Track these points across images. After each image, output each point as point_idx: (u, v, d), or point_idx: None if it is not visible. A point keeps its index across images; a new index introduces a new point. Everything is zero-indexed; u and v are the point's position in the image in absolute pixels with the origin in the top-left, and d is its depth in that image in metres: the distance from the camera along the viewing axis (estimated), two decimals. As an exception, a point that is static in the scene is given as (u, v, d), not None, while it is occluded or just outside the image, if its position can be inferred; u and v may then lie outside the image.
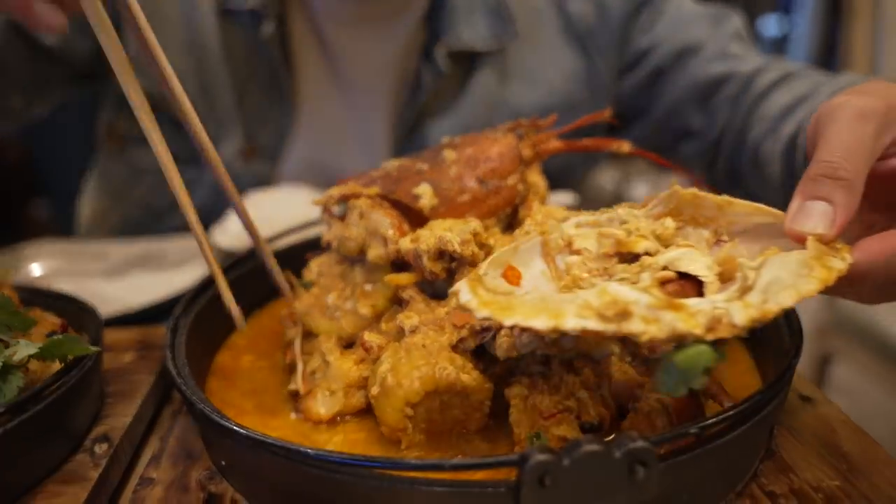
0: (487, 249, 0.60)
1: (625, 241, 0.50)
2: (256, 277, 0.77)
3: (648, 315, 0.41)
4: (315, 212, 0.78)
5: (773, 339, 0.60)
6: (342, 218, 0.66)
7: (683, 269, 0.46)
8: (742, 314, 0.41)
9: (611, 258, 0.51)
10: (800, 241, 0.46)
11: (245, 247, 0.86)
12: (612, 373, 0.58)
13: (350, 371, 0.59)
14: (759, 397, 0.46)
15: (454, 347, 0.56)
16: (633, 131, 1.11)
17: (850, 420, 0.57)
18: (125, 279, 0.97)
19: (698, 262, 0.46)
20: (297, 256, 0.74)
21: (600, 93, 1.09)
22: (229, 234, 0.95)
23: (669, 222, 0.51)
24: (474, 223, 0.59)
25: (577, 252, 0.51)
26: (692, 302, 0.42)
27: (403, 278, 0.61)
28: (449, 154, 0.69)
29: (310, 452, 0.44)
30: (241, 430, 0.47)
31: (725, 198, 0.51)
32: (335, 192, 0.65)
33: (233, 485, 0.53)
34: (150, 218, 1.14)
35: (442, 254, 0.58)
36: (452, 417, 0.55)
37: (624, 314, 0.41)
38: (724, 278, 0.47)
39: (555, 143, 0.71)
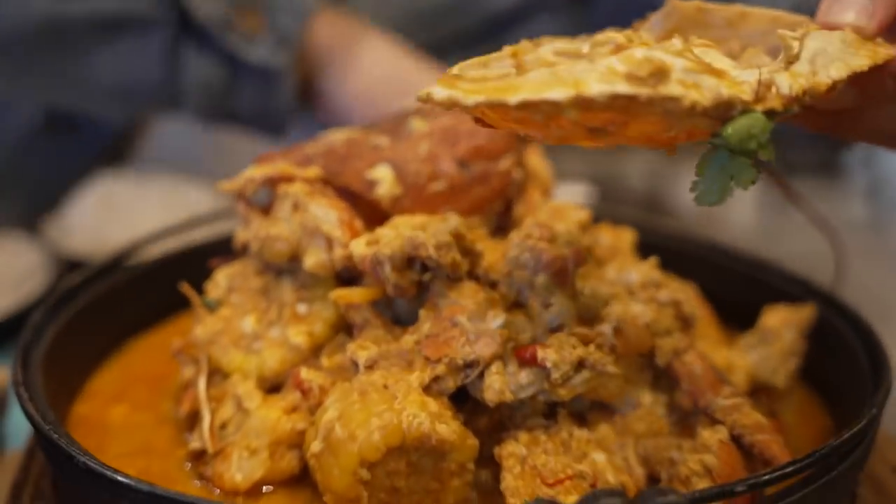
0: (474, 257, 0.71)
1: (625, 45, 0.59)
2: (122, 296, 0.88)
3: (687, 79, 0.51)
4: (203, 206, 0.87)
5: (858, 393, 0.73)
6: (266, 210, 0.77)
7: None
8: (790, 83, 0.54)
9: None
10: None
11: (101, 250, 0.96)
12: (639, 429, 0.70)
13: (278, 423, 0.69)
14: (826, 451, 0.59)
15: (427, 389, 0.66)
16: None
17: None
18: None
19: (723, 60, 0.57)
20: (191, 265, 0.84)
21: None
22: (74, 231, 1.05)
23: (676, 42, 0.60)
24: (455, 220, 0.71)
25: None
26: (733, 70, 0.54)
27: (356, 295, 0.72)
28: (417, 124, 0.81)
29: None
30: (158, 491, 0.57)
31: (738, 8, 0.64)
32: (257, 173, 0.76)
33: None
34: None
35: (411, 261, 0.70)
36: (423, 486, 0.66)
37: (660, 73, 0.51)
38: None
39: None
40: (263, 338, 0.74)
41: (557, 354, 0.65)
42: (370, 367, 0.68)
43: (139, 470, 0.71)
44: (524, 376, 0.66)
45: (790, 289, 0.86)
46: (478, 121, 0.58)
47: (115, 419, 0.78)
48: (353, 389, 0.66)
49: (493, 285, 0.73)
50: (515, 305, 0.71)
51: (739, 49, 0.63)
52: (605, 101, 0.50)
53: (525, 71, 0.58)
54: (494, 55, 0.61)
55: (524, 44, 0.62)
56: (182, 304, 0.84)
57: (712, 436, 0.66)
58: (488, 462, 0.67)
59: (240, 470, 0.69)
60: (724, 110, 0.53)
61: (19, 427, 0.83)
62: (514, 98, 0.51)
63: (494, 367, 0.66)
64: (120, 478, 0.58)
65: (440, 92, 0.53)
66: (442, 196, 0.77)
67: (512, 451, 0.66)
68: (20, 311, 1.02)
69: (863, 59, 0.57)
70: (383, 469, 0.64)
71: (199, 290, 0.80)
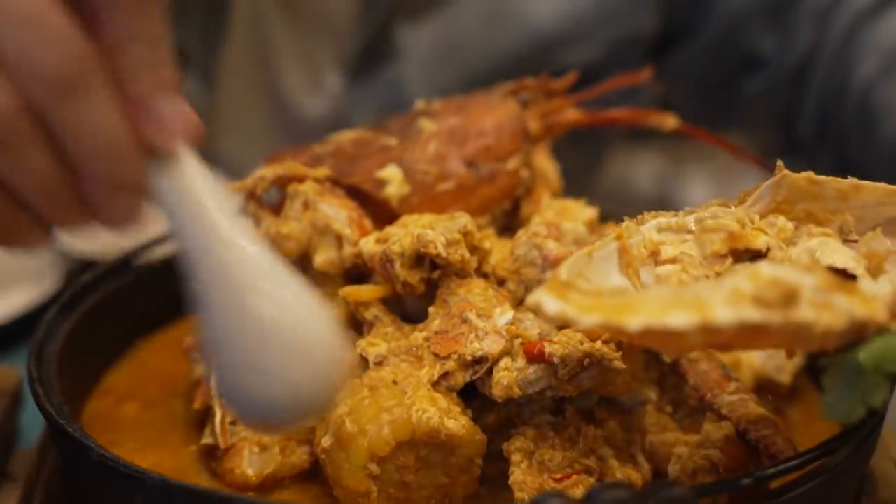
0: (482, 254, 0.73)
1: (739, 233, 0.59)
2: (133, 296, 0.89)
3: (818, 299, 0.49)
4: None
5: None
6: (276, 209, 0.78)
7: (826, 262, 0.56)
8: None
9: (722, 260, 0.60)
10: None
11: (111, 250, 0.97)
12: (646, 425, 0.71)
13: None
14: (832, 445, 0.60)
15: (436, 385, 0.68)
16: (677, 59, 1.22)
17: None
18: None
19: (843, 253, 0.56)
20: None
21: None
22: (87, 231, 1.06)
23: (783, 221, 0.60)
24: (464, 219, 0.72)
25: (670, 261, 0.61)
26: (864, 285, 0.52)
27: (365, 292, 0.73)
28: (426, 125, 0.82)
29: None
30: (173, 484, 0.58)
31: (852, 181, 0.61)
32: (267, 172, 0.78)
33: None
34: None
35: (421, 259, 0.71)
36: (432, 481, 0.67)
37: (790, 297, 0.48)
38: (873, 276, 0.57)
39: (573, 114, 0.85)
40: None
41: (565, 350, 0.66)
42: (380, 363, 0.69)
43: (151, 465, 0.72)
44: (532, 372, 0.67)
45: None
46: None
47: (127, 416, 0.79)
48: (363, 385, 0.68)
49: (501, 283, 0.74)
50: (523, 302, 0.72)
51: (853, 221, 0.61)
52: (733, 328, 0.48)
53: (634, 271, 0.59)
54: (599, 243, 0.61)
55: (627, 225, 0.63)
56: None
57: (718, 431, 0.67)
58: (497, 458, 0.68)
59: (251, 465, 0.70)
60: (857, 332, 0.51)
61: (32, 425, 0.84)
62: (633, 322, 0.49)
63: (503, 363, 0.67)
64: (134, 471, 0.59)
65: (552, 305, 0.51)
66: (450, 196, 0.79)
67: (520, 446, 0.67)
68: (33, 310, 1.03)
69: None
70: (393, 464, 0.65)
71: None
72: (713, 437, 0.67)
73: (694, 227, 0.62)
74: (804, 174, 0.62)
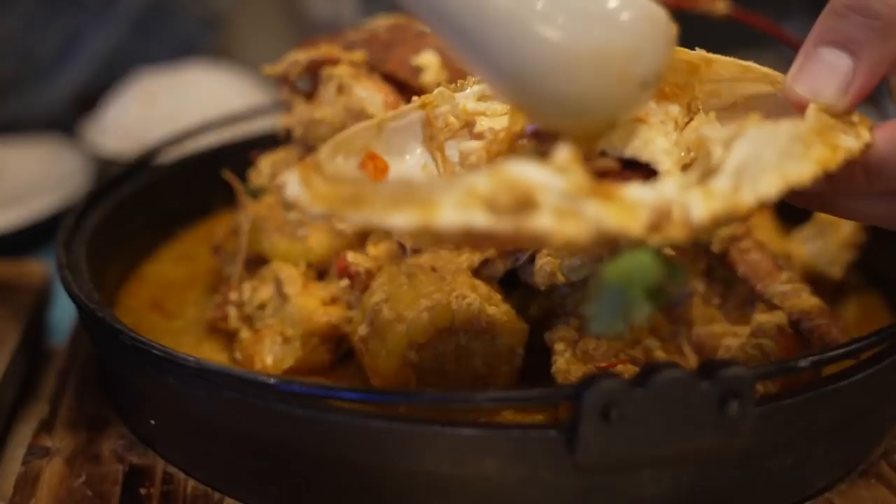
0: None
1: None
2: (161, 192, 0.88)
3: (564, 206, 0.42)
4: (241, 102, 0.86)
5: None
6: (310, 95, 0.76)
7: (629, 153, 0.51)
8: (702, 206, 0.44)
9: (526, 139, 0.54)
10: (801, 108, 0.50)
11: (135, 149, 0.95)
12: (693, 317, 0.69)
13: (314, 314, 0.69)
14: (893, 331, 0.58)
15: (476, 272, 0.66)
16: None
17: None
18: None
19: (653, 144, 0.51)
20: (233, 158, 0.84)
21: None
22: (114, 132, 1.05)
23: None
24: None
25: (480, 136, 0.56)
26: (631, 190, 0.44)
27: (403, 178, 0.71)
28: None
29: (301, 388, 0.54)
30: (206, 365, 0.57)
31: (701, 53, 0.55)
32: (301, 56, 0.75)
33: (165, 454, 0.63)
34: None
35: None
36: (471, 370, 0.65)
37: (526, 204, 0.42)
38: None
39: None
40: (308, 224, 0.73)
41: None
42: (418, 249, 0.67)
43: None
44: (576, 258, 0.65)
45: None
46: None
47: (153, 318, 0.79)
48: (401, 272, 0.66)
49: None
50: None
51: (703, 96, 0.55)
52: (457, 234, 0.42)
53: (440, 145, 0.54)
54: (394, 112, 0.56)
55: (440, 91, 0.57)
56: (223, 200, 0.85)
57: (770, 320, 0.64)
58: (538, 351, 0.66)
59: (271, 353, 0.69)
60: (610, 244, 0.44)
61: (62, 321, 0.84)
62: (354, 216, 0.44)
63: (545, 251, 0.65)
64: (167, 352, 0.58)
65: (292, 188, 0.47)
66: (489, 83, 0.76)
67: (563, 335, 0.65)
68: (60, 211, 1.02)
69: (808, 165, 0.46)
70: (432, 351, 0.64)
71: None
72: (764, 326, 0.64)
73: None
74: None
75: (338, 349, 0.70)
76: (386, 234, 0.64)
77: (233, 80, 1.15)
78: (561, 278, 0.65)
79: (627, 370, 0.63)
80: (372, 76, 0.74)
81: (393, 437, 0.53)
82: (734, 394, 0.50)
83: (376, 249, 0.71)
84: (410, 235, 0.44)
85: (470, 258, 0.66)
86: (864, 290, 0.80)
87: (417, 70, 0.75)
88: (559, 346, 0.65)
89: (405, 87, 0.76)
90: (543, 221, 0.41)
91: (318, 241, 0.73)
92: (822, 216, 0.78)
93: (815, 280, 0.76)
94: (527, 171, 0.42)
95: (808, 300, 0.66)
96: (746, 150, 0.46)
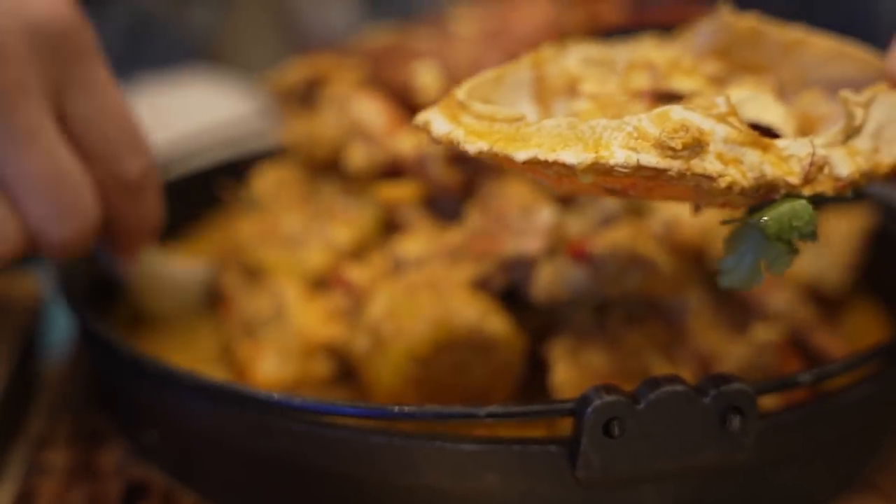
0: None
1: (664, 73, 0.54)
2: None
3: (727, 152, 0.45)
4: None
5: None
6: (308, 108, 0.76)
7: (751, 116, 0.52)
8: (847, 164, 0.47)
9: (639, 100, 0.55)
10: None
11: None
12: (691, 329, 0.69)
13: (314, 327, 0.69)
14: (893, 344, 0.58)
15: (474, 287, 0.66)
16: None
17: None
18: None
19: (772, 109, 0.52)
20: (227, 172, 0.84)
21: None
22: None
23: (715, 66, 0.55)
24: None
25: (587, 97, 0.56)
26: (781, 143, 0.47)
27: (402, 192, 0.71)
28: (461, 28, 0.79)
29: (302, 403, 0.54)
30: (206, 380, 0.57)
31: (796, 34, 0.56)
32: (299, 71, 0.75)
33: (164, 469, 0.63)
34: None
35: (457, 158, 0.69)
36: (471, 384, 0.65)
37: (696, 145, 0.44)
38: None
39: (613, 14, 0.82)
40: (306, 238, 0.73)
41: (608, 250, 0.64)
42: (417, 264, 0.67)
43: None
44: (574, 273, 0.65)
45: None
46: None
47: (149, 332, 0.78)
48: (400, 286, 0.66)
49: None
50: (564, 201, 0.70)
51: (796, 79, 0.57)
52: (628, 171, 0.44)
53: (547, 103, 0.54)
54: (512, 67, 0.56)
55: (547, 51, 0.58)
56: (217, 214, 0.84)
57: (767, 333, 0.65)
58: (536, 366, 0.66)
59: (270, 368, 0.69)
60: (766, 192, 0.46)
61: (56, 336, 0.83)
62: (522, 154, 0.45)
63: (544, 264, 0.65)
64: (167, 367, 0.58)
65: (441, 126, 0.48)
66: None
67: (562, 345, 0.65)
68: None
69: None
70: (432, 366, 0.64)
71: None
72: (762, 339, 0.65)
73: (620, 64, 0.58)
74: (747, 20, 0.58)
75: (337, 364, 0.70)
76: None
77: (225, 90, 1.15)
78: (558, 293, 0.65)
79: (626, 383, 0.64)
80: (369, 90, 0.74)
81: (393, 452, 0.54)
82: (736, 409, 0.51)
83: (374, 262, 0.71)
84: (580, 171, 0.45)
85: (469, 273, 0.66)
86: (863, 301, 0.80)
87: (416, 87, 0.75)
88: (558, 360, 0.65)
89: (405, 100, 0.76)
90: (711, 164, 0.44)
91: (314, 255, 0.73)
92: (822, 230, 0.78)
93: (814, 292, 0.76)
94: (692, 117, 0.45)
95: (806, 313, 0.66)
96: (884, 112, 0.49)
